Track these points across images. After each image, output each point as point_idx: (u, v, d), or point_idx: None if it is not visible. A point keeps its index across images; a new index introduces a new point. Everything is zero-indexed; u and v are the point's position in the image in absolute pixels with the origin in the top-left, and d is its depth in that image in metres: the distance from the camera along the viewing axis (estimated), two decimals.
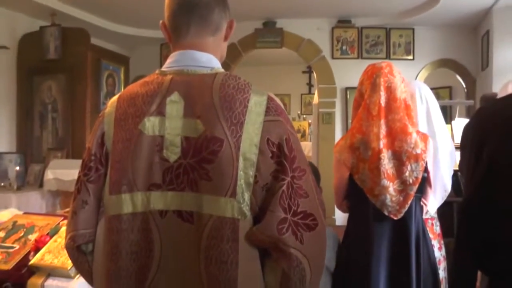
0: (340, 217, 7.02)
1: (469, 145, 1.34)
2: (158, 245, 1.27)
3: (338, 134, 8.10)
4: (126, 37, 8.22)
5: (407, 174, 2.35)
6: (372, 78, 2.46)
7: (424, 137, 2.42)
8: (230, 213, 1.23)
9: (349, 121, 7.96)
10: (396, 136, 2.37)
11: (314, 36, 8.18)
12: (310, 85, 12.27)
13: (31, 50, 6.75)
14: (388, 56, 8.13)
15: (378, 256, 2.37)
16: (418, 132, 2.44)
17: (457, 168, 3.85)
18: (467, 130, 1.48)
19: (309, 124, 11.51)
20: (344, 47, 8.19)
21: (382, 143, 2.36)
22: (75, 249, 1.39)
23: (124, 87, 7.20)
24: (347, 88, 8.10)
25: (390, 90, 2.42)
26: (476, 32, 7.89)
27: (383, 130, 2.37)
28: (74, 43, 6.73)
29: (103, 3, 6.92)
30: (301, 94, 12.77)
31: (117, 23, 7.89)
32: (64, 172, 5.75)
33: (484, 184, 1.25)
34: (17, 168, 6.46)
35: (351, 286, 2.45)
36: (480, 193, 1.28)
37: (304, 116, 12.38)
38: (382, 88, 2.42)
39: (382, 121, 2.38)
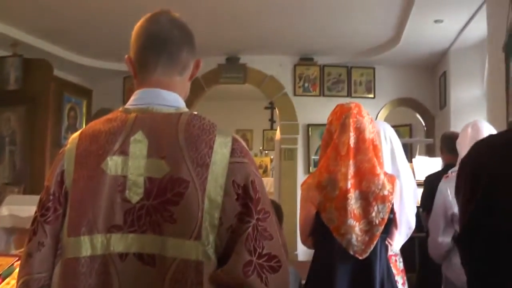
0: (302, 253, 7.00)
1: (463, 176, 1.33)
2: None
3: (300, 171, 8.14)
4: (89, 69, 8.12)
5: (373, 214, 2.36)
6: (341, 118, 2.49)
7: (391, 179, 2.44)
8: (194, 256, 1.20)
9: (312, 157, 8.03)
10: (364, 176, 2.39)
11: (276, 72, 8.26)
12: (272, 121, 12.32)
13: None
14: (349, 94, 8.26)
15: None
16: (385, 173, 2.47)
17: (418, 205, 3.92)
18: (461, 167, 1.45)
19: (271, 160, 11.52)
20: (306, 84, 8.29)
21: (350, 183, 2.37)
22: None
23: (86, 121, 7.14)
24: (309, 125, 8.18)
25: (359, 131, 2.45)
26: (434, 72, 8.13)
27: (351, 171, 2.39)
28: (36, 74, 6.54)
29: (67, 34, 6.83)
30: (263, 130, 12.82)
31: (81, 54, 7.80)
32: (21, 208, 5.53)
33: (481, 209, 1.25)
34: None
35: None
36: (476, 219, 1.27)
37: (266, 151, 12.40)
38: (351, 128, 2.45)
39: (351, 162, 2.40)
